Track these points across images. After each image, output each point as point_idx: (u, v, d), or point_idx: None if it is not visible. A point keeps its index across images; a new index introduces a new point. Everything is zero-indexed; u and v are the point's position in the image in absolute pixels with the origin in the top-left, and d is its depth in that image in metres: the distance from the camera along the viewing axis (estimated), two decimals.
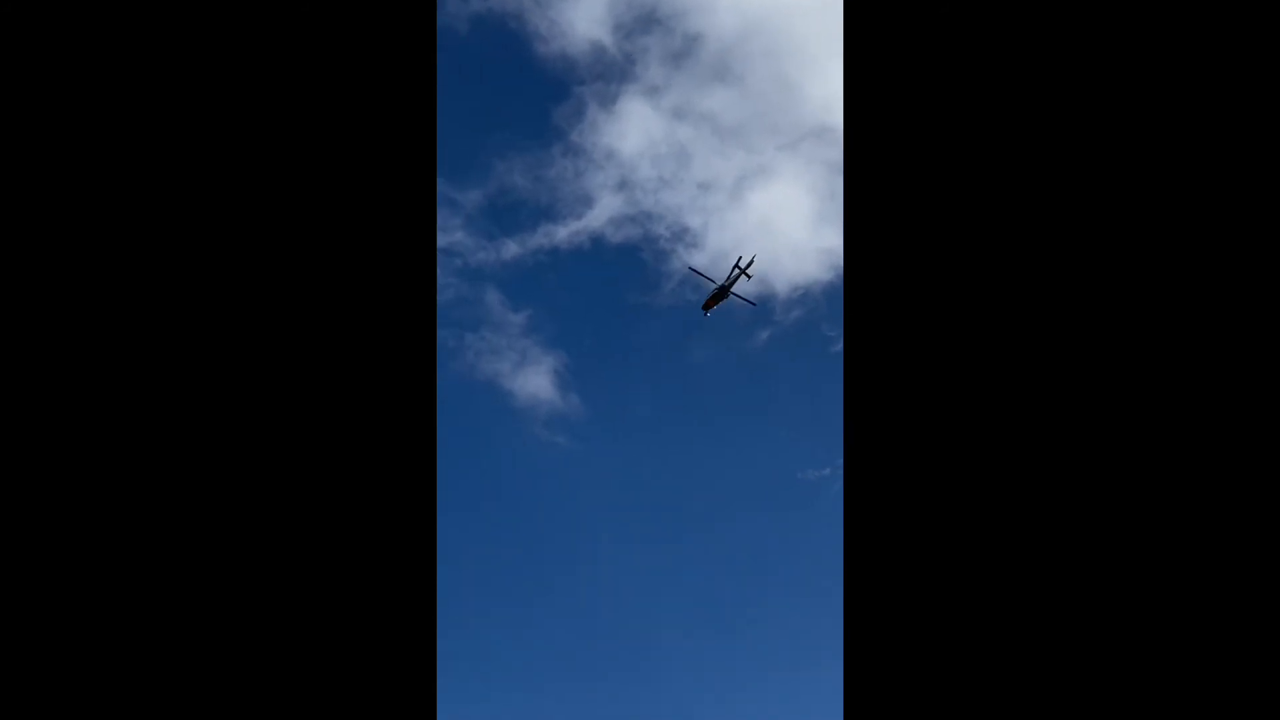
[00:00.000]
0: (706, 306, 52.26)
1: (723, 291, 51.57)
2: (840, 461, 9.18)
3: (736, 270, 50.90)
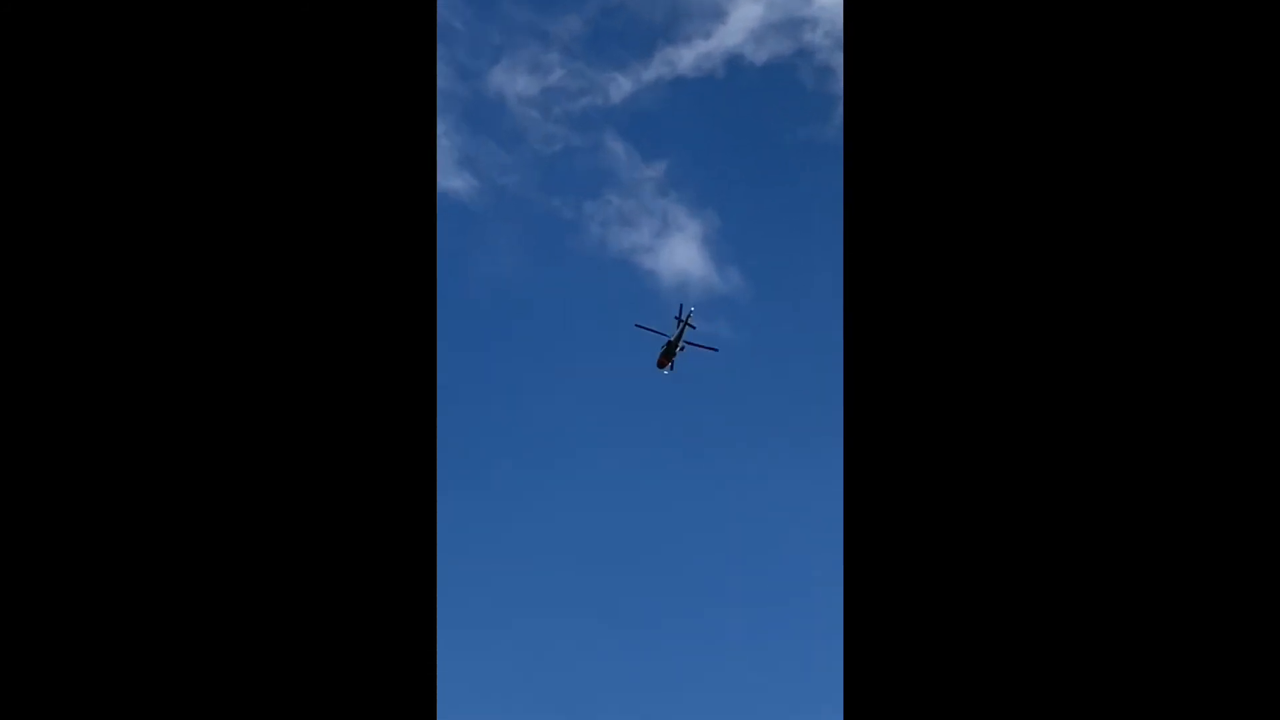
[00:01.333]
0: (661, 364, 46.78)
1: (672, 346, 45.82)
2: None
3: (679, 322, 45.36)
